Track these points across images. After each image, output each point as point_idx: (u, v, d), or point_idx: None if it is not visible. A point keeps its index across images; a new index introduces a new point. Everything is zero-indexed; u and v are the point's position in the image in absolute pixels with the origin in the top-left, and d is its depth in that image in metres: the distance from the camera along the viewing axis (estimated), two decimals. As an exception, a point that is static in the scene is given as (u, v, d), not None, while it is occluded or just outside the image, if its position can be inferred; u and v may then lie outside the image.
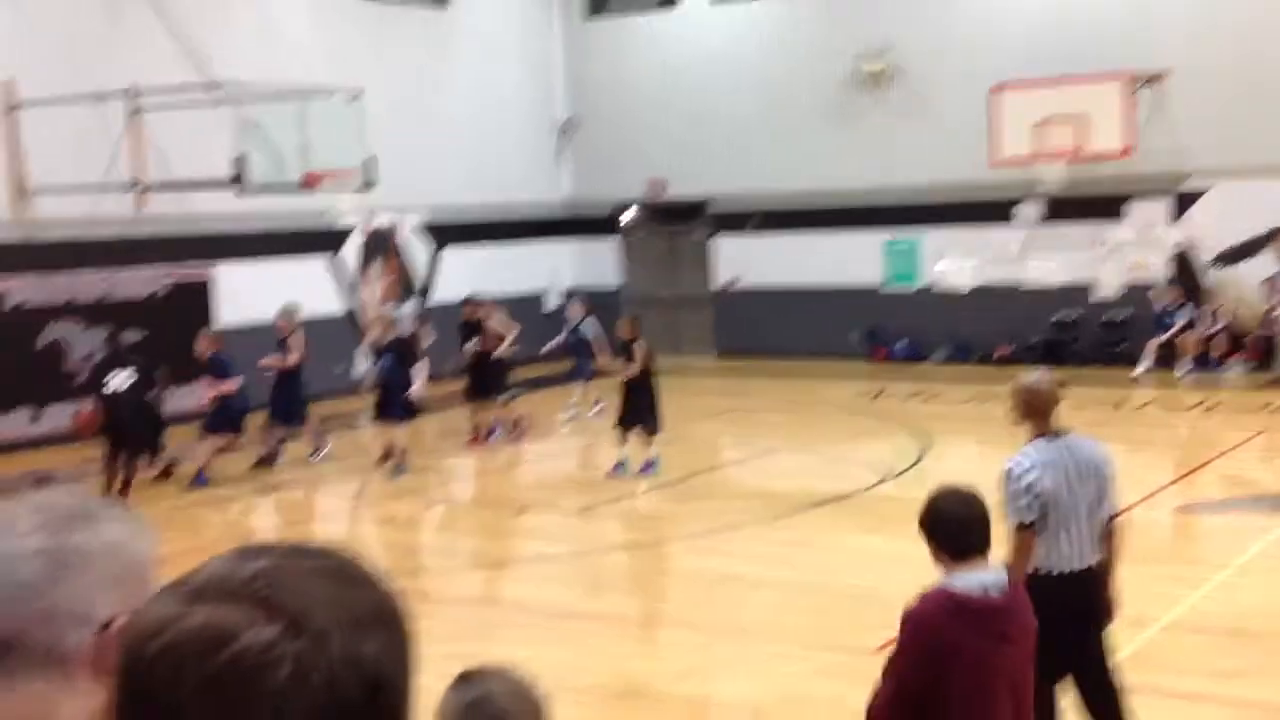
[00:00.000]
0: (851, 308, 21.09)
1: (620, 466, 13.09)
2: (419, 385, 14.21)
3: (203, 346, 13.64)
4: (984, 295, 20.45)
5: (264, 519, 12.86)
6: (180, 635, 0.97)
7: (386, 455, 13.89)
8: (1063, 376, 7.01)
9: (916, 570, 10.07)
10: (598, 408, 16.13)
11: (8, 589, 1.36)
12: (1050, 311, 19.99)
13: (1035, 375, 5.83)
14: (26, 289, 16.05)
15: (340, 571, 1.04)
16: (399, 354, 14.06)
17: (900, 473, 13.07)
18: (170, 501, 12.75)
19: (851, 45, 20.79)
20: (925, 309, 20.74)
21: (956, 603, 4.04)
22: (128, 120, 16.23)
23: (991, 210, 20.23)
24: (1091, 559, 5.58)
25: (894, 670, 4.10)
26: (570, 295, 18.93)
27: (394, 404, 13.86)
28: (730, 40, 22.02)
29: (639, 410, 12.98)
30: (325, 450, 14.56)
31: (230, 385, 13.37)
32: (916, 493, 13.86)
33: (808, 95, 21.34)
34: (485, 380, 15.16)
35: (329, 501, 13.47)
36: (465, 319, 15.54)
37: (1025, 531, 5.49)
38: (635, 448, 13.15)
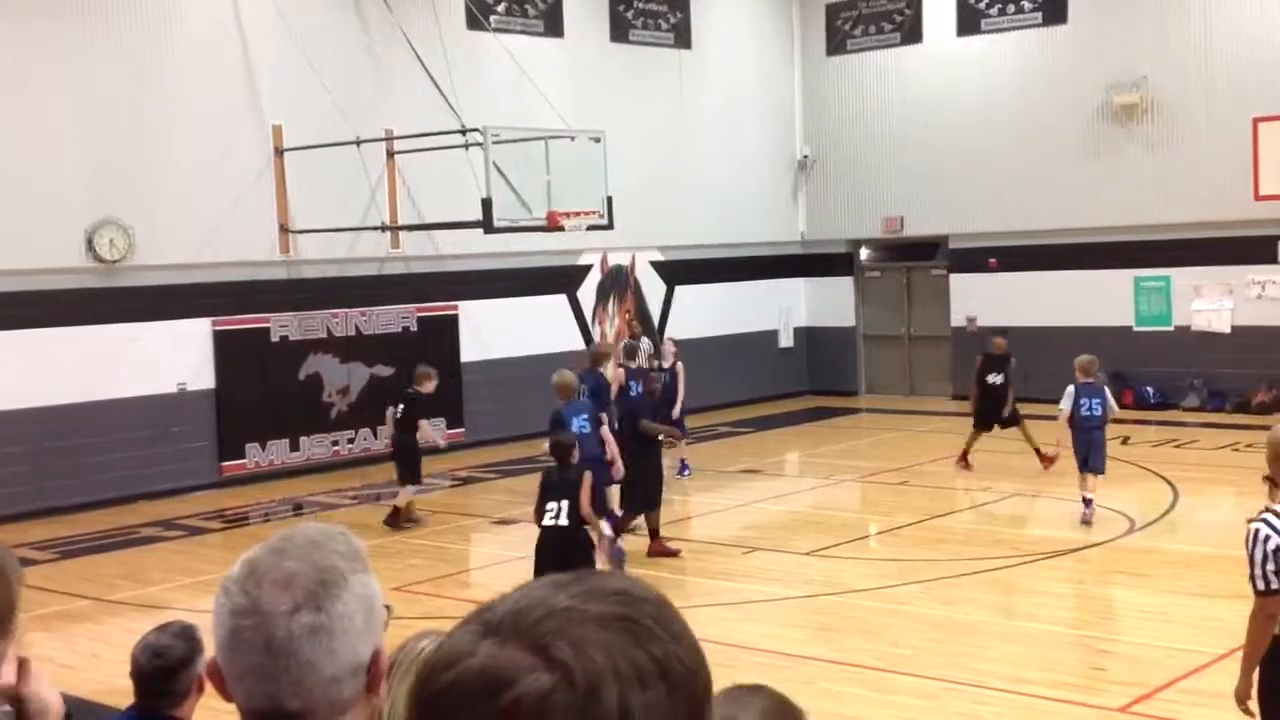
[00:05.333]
0: (1098, 349, 20.24)
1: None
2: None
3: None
4: (1242, 337, 19.39)
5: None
6: (465, 674, 1.00)
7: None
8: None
9: (1164, 625, 9.63)
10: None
11: (295, 672, 1.49)
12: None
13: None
14: (289, 324, 17.02)
15: (632, 620, 1.02)
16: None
17: (1150, 522, 12.50)
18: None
19: (1103, 77, 20.12)
20: (1178, 351, 19.80)
21: None
22: (384, 164, 17.11)
23: (1252, 247, 19.20)
24: None
25: None
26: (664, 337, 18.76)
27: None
28: (974, 73, 21.62)
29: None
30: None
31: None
32: (1166, 543, 13.30)
33: (1055, 129, 20.74)
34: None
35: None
36: None
37: (1266, 599, 5.20)
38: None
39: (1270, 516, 5.25)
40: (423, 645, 2.24)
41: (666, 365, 15.65)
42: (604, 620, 1.01)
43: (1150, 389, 19.93)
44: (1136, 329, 20.23)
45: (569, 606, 1.02)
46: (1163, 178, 19.70)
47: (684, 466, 15.80)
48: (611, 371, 14.14)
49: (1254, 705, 5.42)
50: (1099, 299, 20.40)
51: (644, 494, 11.76)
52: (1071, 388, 12.82)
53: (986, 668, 8.41)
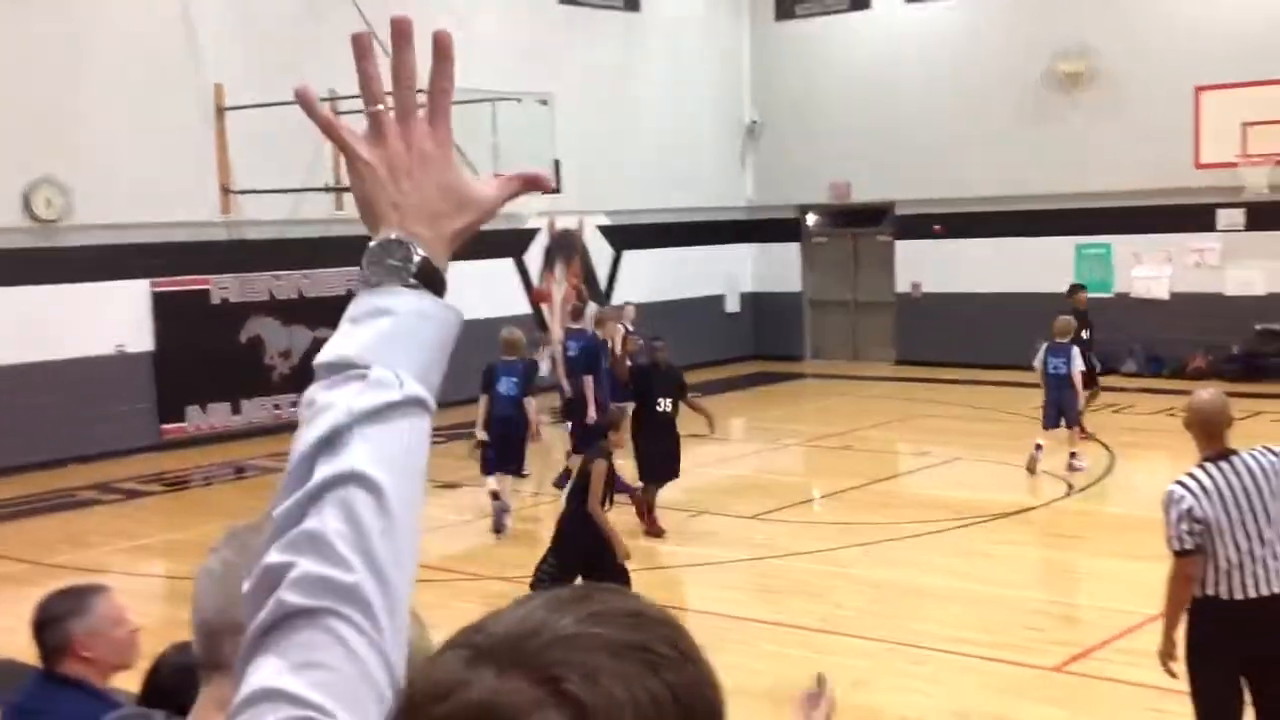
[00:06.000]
0: (1039, 315, 20.51)
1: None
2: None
3: None
4: (1181, 304, 19.69)
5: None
6: (463, 707, 0.88)
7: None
8: (1263, 390, 6.71)
9: (1099, 586, 9.80)
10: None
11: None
12: (1250, 323, 19.12)
13: (1204, 393, 5.65)
14: (230, 286, 16.83)
15: (646, 648, 0.90)
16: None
17: (1086, 486, 12.71)
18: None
19: (1048, 45, 20.26)
20: (1117, 317, 20.07)
21: None
22: (327, 124, 16.87)
23: (1192, 215, 19.47)
24: (1277, 585, 5.33)
25: None
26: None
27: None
28: (922, 40, 21.69)
29: None
30: None
31: None
32: (1102, 507, 13.52)
33: (1000, 97, 20.87)
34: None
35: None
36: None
37: (1182, 559, 5.35)
38: None
39: (1186, 479, 5.38)
40: None
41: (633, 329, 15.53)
42: (617, 648, 0.89)
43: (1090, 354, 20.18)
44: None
45: (576, 633, 0.90)
46: (1105, 145, 19.90)
47: None
48: (611, 333, 14.03)
49: (1176, 666, 5.54)
50: (1041, 265, 20.61)
51: (655, 466, 11.53)
52: (1043, 347, 13.50)
53: (926, 628, 8.54)
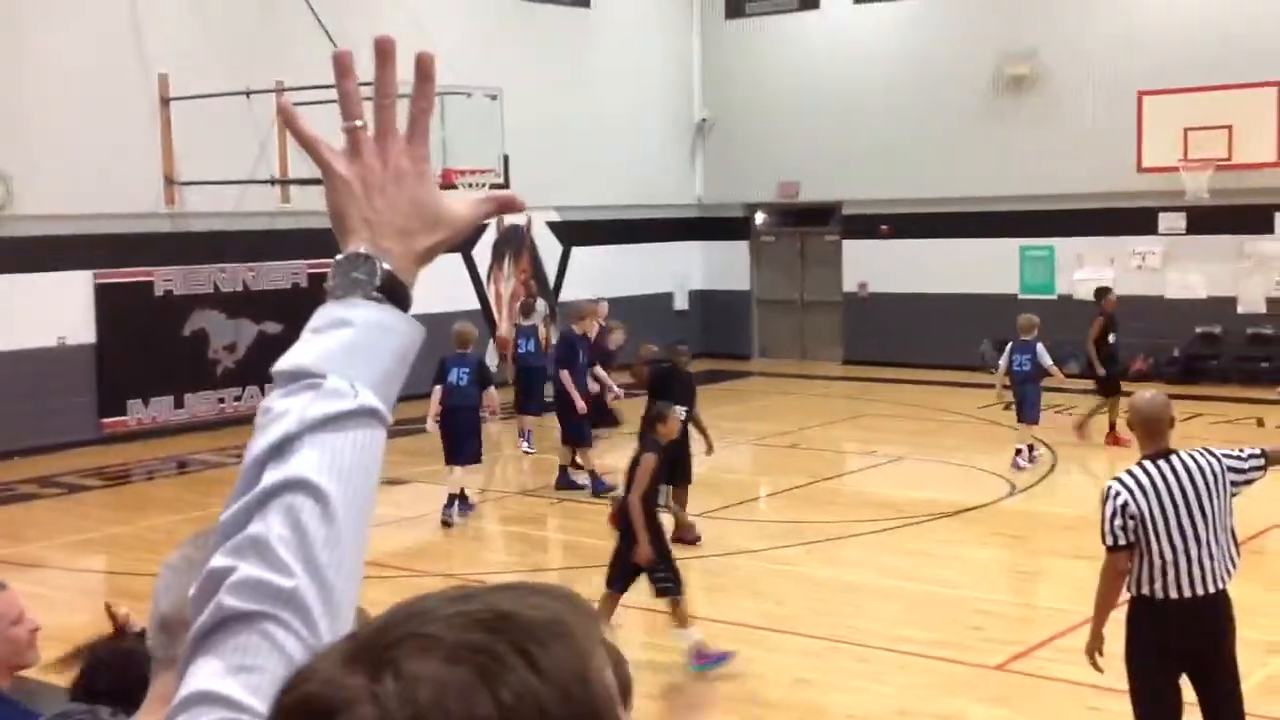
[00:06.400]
0: (984, 316, 20.75)
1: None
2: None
3: None
4: (1122, 306, 19.93)
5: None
6: (297, 698, 0.86)
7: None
8: (1202, 392, 6.81)
9: (1041, 585, 9.88)
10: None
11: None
12: (1190, 325, 19.41)
13: (1146, 393, 5.74)
14: (174, 278, 16.64)
15: (489, 653, 0.84)
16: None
17: (1029, 486, 12.85)
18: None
19: (995, 48, 20.45)
20: (1061, 319, 20.29)
21: None
22: (275, 117, 16.71)
23: (1134, 219, 19.74)
24: (1213, 585, 5.41)
25: None
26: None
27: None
28: (871, 41, 21.82)
29: None
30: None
31: None
32: (1044, 506, 13.65)
33: (948, 98, 21.05)
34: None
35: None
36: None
37: (1114, 554, 5.42)
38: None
39: (1125, 475, 5.46)
40: None
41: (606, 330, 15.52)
42: (457, 651, 0.84)
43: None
44: (1021, 297, 20.67)
45: (430, 633, 0.85)
46: (1049, 149, 20.12)
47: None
48: (589, 328, 14.00)
49: (1102, 663, 5.62)
50: (986, 267, 20.82)
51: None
52: (1010, 345, 13.91)
53: (869, 626, 8.60)
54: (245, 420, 17.27)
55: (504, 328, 19.58)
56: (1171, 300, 19.60)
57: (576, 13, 21.61)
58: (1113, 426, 14.71)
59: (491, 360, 17.63)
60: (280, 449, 1.13)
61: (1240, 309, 19.08)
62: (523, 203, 1.44)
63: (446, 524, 11.65)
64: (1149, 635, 5.40)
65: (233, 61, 16.31)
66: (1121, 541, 5.37)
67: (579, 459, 13.11)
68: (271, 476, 1.12)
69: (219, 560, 1.11)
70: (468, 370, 11.88)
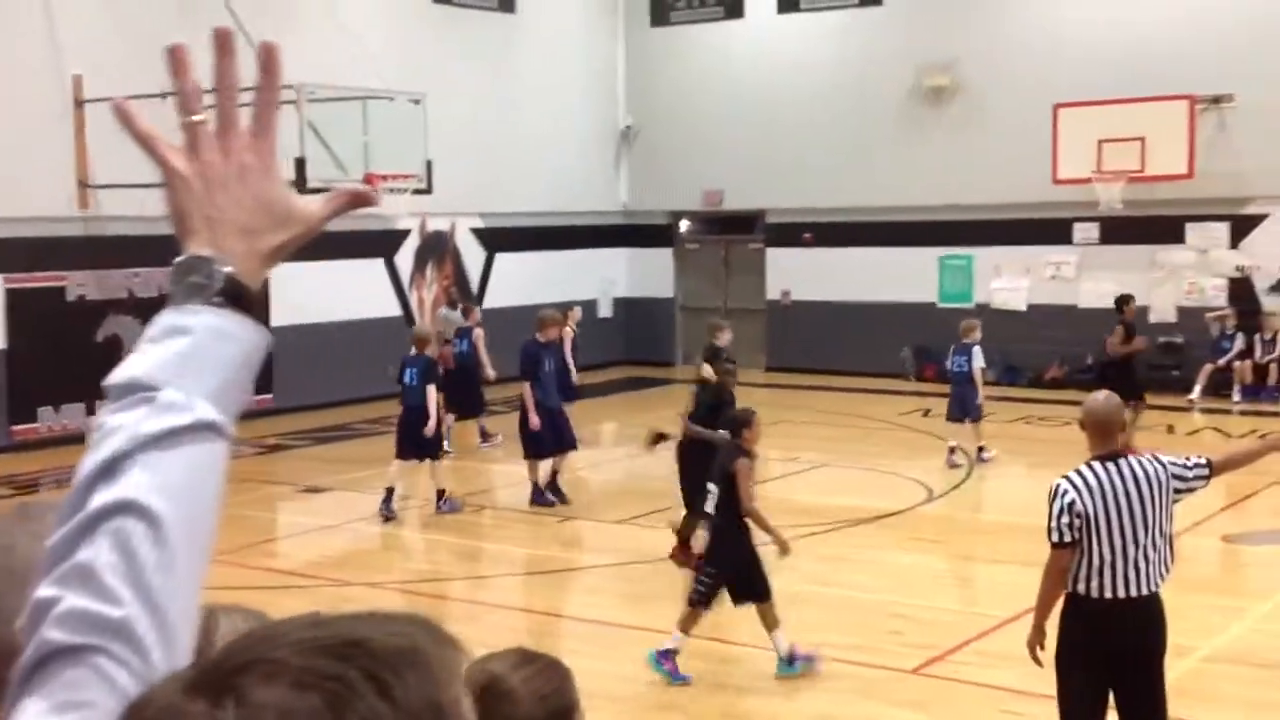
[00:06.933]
0: (904, 324, 21.00)
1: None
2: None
3: None
4: (1038, 315, 20.29)
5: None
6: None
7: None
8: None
9: (957, 589, 10.01)
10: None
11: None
12: (1103, 334, 19.76)
13: (1099, 395, 5.85)
14: (87, 283, 16.33)
15: (338, 680, 0.81)
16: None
17: (947, 492, 13.01)
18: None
19: (915, 59, 20.72)
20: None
21: None
22: (192, 119, 16.46)
23: (1049, 229, 20.09)
24: (1147, 587, 5.52)
25: None
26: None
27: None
28: (795, 51, 22.00)
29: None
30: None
31: None
32: (961, 512, 13.80)
33: (870, 109, 21.28)
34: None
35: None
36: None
37: (1058, 551, 5.52)
38: None
39: (1074, 474, 5.58)
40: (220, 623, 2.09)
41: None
42: (304, 677, 0.80)
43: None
44: (940, 305, 20.96)
45: (278, 658, 0.82)
46: (968, 160, 20.42)
47: (486, 437, 15.69)
48: (553, 336, 13.82)
49: (1044, 655, 5.71)
50: (906, 276, 21.08)
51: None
52: (951, 348, 14.50)
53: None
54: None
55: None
56: (1085, 309, 19.95)
57: (502, 18, 21.56)
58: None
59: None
60: (110, 469, 1.08)
61: (1152, 318, 19.48)
62: (377, 198, 1.37)
63: (386, 518, 11.97)
64: (1080, 632, 5.50)
65: (149, 64, 16.03)
66: (1067, 539, 5.48)
67: (529, 471, 12.94)
68: (100, 499, 1.07)
69: (45, 590, 1.05)
70: (418, 370, 12.40)
